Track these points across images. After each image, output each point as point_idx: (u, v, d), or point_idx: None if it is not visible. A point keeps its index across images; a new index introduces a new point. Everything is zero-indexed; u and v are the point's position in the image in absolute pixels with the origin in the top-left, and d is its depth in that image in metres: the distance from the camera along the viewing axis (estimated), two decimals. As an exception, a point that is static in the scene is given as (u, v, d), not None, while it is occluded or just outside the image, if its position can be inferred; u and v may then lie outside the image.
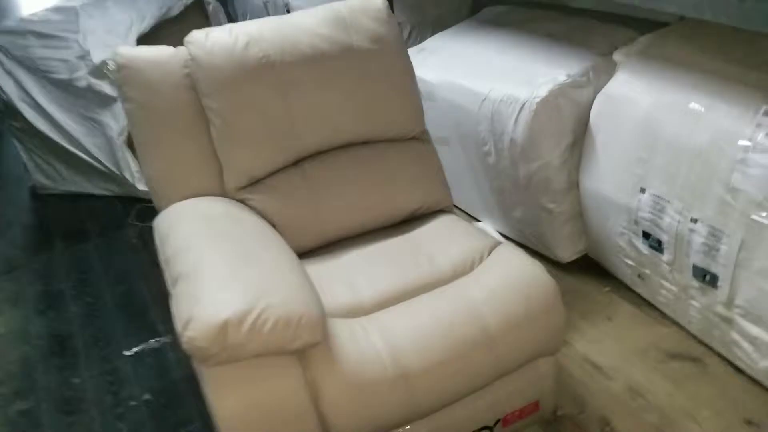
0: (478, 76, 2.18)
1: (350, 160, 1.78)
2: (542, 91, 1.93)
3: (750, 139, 1.53)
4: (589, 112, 1.96)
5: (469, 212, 2.54)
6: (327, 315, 1.45)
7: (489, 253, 1.62)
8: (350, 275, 1.60)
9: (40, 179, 3.28)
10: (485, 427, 1.52)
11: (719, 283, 1.65)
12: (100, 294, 2.48)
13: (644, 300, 2.02)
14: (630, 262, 1.97)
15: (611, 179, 1.92)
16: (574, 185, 2.06)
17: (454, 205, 2.52)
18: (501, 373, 1.46)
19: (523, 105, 1.96)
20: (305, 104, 1.70)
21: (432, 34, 2.71)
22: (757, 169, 1.51)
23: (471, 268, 1.59)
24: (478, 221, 2.48)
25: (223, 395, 1.23)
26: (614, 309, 2.05)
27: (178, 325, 1.23)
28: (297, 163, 1.75)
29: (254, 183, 1.71)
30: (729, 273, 1.63)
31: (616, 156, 1.89)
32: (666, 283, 1.86)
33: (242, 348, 1.21)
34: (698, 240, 1.69)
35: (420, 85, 2.35)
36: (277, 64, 1.66)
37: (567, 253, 2.18)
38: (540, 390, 1.57)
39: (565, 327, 1.52)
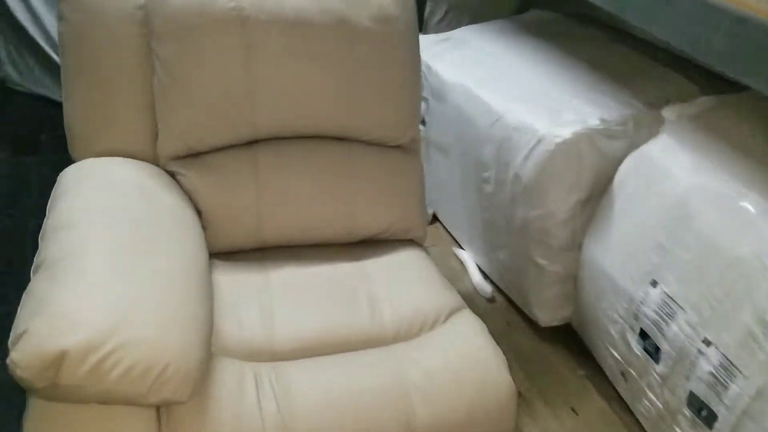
0: (499, 89, 1.82)
1: (314, 156, 1.45)
2: (566, 131, 1.59)
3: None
4: (616, 170, 1.62)
5: (451, 232, 2.22)
6: (221, 351, 1.16)
7: (446, 319, 1.31)
8: (271, 301, 1.29)
9: (11, 72, 2.97)
10: None
11: (716, 426, 1.34)
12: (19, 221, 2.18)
13: (620, 399, 1.72)
14: (617, 356, 1.66)
15: (620, 256, 1.59)
16: (576, 246, 1.73)
17: (435, 218, 2.25)
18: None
19: (540, 140, 1.62)
20: (273, 76, 1.36)
21: (468, 23, 2.35)
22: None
23: (418, 333, 1.28)
24: (461, 248, 2.16)
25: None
26: (583, 400, 1.74)
27: (11, 336, 0.93)
28: (250, 144, 1.42)
29: (192, 155, 1.39)
30: (732, 419, 1.32)
31: (634, 232, 1.55)
32: (652, 396, 1.55)
33: (78, 390, 0.91)
34: (705, 367, 1.37)
35: (432, 79, 2.02)
36: (249, 20, 1.31)
37: (547, 316, 1.87)
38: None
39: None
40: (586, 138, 1.59)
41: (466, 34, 2.14)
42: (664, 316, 1.46)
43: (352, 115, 1.45)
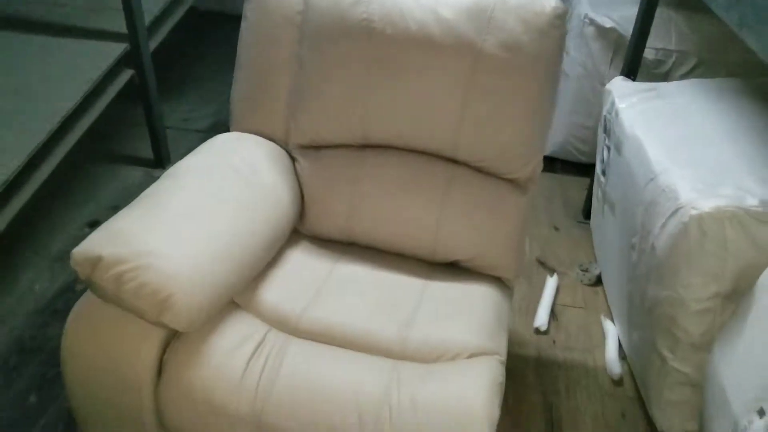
0: (671, 148, 1.59)
1: (415, 170, 1.49)
2: (707, 204, 1.33)
3: None
4: (768, 267, 1.30)
5: (608, 298, 1.99)
6: (252, 309, 1.31)
7: (468, 357, 1.23)
8: (324, 287, 1.39)
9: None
10: None
11: None
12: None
13: None
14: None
15: (740, 372, 1.27)
16: (708, 348, 1.43)
17: (599, 279, 2.02)
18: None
19: (677, 209, 1.38)
20: (393, 87, 1.44)
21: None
22: None
23: (434, 360, 1.24)
24: (611, 320, 1.93)
25: (77, 325, 1.19)
26: None
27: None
28: (362, 147, 1.53)
29: (313, 147, 1.56)
30: None
31: (761, 344, 1.23)
32: None
33: (105, 291, 1.14)
34: None
35: (616, 129, 1.86)
36: (376, 32, 1.42)
37: (667, 423, 1.56)
38: None
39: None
40: (734, 218, 1.31)
41: (676, 87, 1.90)
42: (761, 458, 1.14)
43: (463, 139, 1.45)
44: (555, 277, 2.09)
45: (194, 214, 1.28)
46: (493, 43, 1.39)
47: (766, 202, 1.32)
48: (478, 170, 1.49)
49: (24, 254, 2.12)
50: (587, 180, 2.44)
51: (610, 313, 1.95)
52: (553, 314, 1.98)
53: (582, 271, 2.14)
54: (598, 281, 2.10)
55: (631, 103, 1.86)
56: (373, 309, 1.34)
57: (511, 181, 1.49)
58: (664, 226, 1.44)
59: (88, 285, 1.16)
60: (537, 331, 1.92)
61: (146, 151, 2.61)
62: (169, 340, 1.20)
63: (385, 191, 1.49)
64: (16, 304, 1.95)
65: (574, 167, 2.66)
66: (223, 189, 1.37)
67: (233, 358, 1.18)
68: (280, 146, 1.58)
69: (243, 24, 1.60)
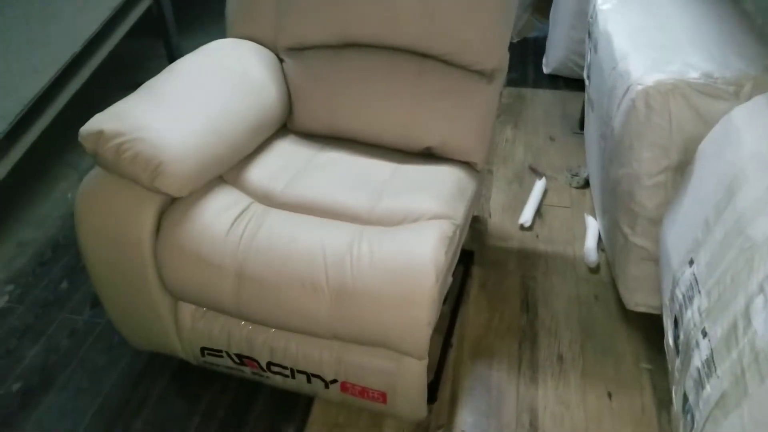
0: (635, 38, 1.65)
1: (392, 66, 1.62)
2: (650, 79, 1.41)
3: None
4: (712, 135, 1.38)
5: (593, 197, 2.09)
6: (239, 184, 1.48)
7: (427, 219, 1.38)
8: (306, 168, 1.55)
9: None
10: (320, 377, 1.41)
11: None
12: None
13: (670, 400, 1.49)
14: (665, 349, 1.45)
15: (678, 232, 1.37)
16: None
17: (587, 182, 2.11)
18: (337, 336, 1.31)
19: (628, 88, 1.47)
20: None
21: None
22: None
23: (397, 223, 1.39)
24: (594, 216, 2.03)
25: (87, 193, 1.38)
26: (626, 390, 1.56)
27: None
28: (342, 47, 1.66)
29: (298, 49, 1.70)
30: (701, 424, 1.11)
31: (695, 205, 1.33)
32: (673, 397, 1.33)
33: (107, 161, 1.33)
34: (696, 362, 1.16)
35: (594, 29, 1.93)
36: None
37: (632, 299, 1.68)
38: (389, 386, 1.36)
39: (426, 333, 1.25)
40: (675, 90, 1.39)
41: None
42: (687, 300, 1.26)
43: (436, 33, 1.57)
44: (543, 179, 2.19)
45: (187, 99, 1.45)
46: (457, -63, 1.50)
47: (708, 75, 1.40)
48: (447, 63, 1.61)
49: (58, 167, 2.37)
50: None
51: (594, 211, 2.06)
52: (539, 213, 2.10)
53: (571, 175, 2.23)
54: (587, 184, 2.19)
55: (611, 5, 1.92)
56: (347, 185, 1.49)
57: (478, 72, 1.60)
58: (619, 107, 1.53)
59: (93, 157, 1.35)
60: (521, 227, 2.05)
61: (168, 80, 2.80)
62: (165, 206, 1.38)
63: (361, 84, 1.63)
64: (51, 209, 2.20)
65: (575, 83, 2.71)
66: (214, 81, 1.54)
67: (219, 219, 1.36)
68: (270, 49, 1.73)
69: (234, -65, 1.74)
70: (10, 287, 1.91)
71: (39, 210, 2.20)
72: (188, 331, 1.46)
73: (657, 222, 1.55)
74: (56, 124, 2.17)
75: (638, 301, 1.68)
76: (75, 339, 1.75)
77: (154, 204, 1.36)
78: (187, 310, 1.44)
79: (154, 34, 2.70)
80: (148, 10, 2.53)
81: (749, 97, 1.37)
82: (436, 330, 1.37)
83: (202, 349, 1.47)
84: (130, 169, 1.31)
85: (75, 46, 2.17)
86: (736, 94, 1.38)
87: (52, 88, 2.11)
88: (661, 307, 1.58)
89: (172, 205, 1.38)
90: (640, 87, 1.43)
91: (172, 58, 2.70)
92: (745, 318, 1.03)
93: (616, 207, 1.64)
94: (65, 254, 2.02)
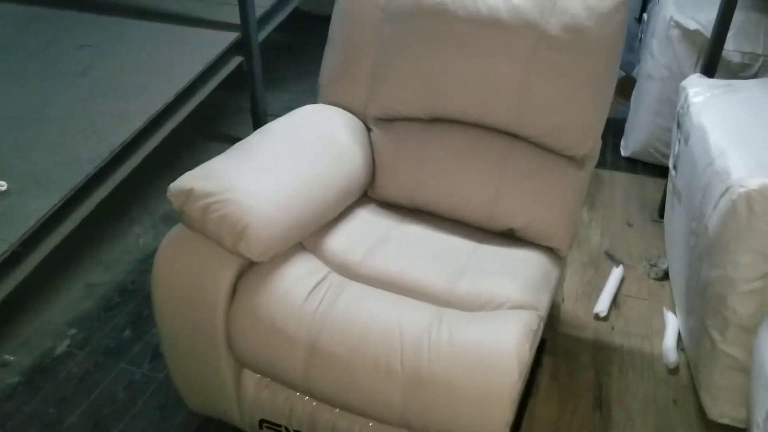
0: (731, 134, 1.60)
1: (483, 145, 1.60)
2: (755, 182, 1.34)
3: None
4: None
5: (673, 291, 1.99)
6: (317, 252, 1.47)
7: (508, 308, 1.32)
8: (387, 241, 1.52)
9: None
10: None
11: None
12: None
13: None
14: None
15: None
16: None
17: (667, 274, 2.00)
18: (406, 425, 1.25)
19: (727, 189, 1.40)
20: (461, 64, 1.56)
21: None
22: None
23: (478, 308, 1.34)
24: (674, 313, 1.92)
25: (167, 249, 1.38)
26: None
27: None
28: (431, 121, 1.66)
29: (388, 120, 1.70)
30: None
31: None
32: None
33: (193, 220, 1.33)
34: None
35: (686, 120, 1.88)
36: (449, 13, 1.55)
37: (717, 409, 1.57)
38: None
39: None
40: (785, 196, 1.32)
41: (752, 83, 1.89)
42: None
43: (527, 116, 1.54)
44: (621, 267, 2.11)
45: (276, 163, 1.46)
46: (556, 24, 1.49)
47: (818, 182, 1.32)
48: (537, 145, 1.58)
49: (134, 212, 2.42)
50: (666, 181, 2.43)
51: (674, 307, 1.95)
52: (614, 303, 2.01)
53: (650, 265, 2.14)
54: (666, 276, 2.09)
55: (704, 97, 1.87)
56: (427, 261, 1.46)
57: (569, 158, 1.56)
58: (716, 206, 1.46)
59: (180, 214, 1.36)
60: (596, 316, 1.96)
61: (249, 134, 2.87)
62: (243, 269, 1.37)
63: (448, 158, 1.61)
64: (122, 253, 2.23)
65: (655, 169, 2.64)
66: (303, 145, 1.55)
67: (297, 287, 1.34)
68: (359, 118, 1.74)
69: (335, 6, 1.78)
70: (73, 330, 1.92)
71: (110, 252, 2.24)
72: (250, 401, 1.42)
73: (750, 330, 1.45)
74: (139, 168, 2.23)
75: (723, 412, 1.57)
76: (131, 392, 1.73)
77: (233, 266, 1.35)
78: (251, 378, 1.41)
79: (241, 87, 2.79)
80: (239, 65, 2.62)
81: None
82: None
83: (261, 422, 1.43)
84: (215, 230, 1.31)
85: (167, 97, 2.25)
86: None
87: (140, 136, 2.17)
88: (747, 421, 1.47)
89: (251, 269, 1.37)
90: (742, 189, 1.36)
91: (256, 111, 2.77)
92: None
93: (705, 309, 1.55)
94: (131, 301, 2.03)
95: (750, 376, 1.44)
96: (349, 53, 1.75)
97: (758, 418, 1.33)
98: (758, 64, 2.32)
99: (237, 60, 2.59)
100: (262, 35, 2.75)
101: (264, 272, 1.35)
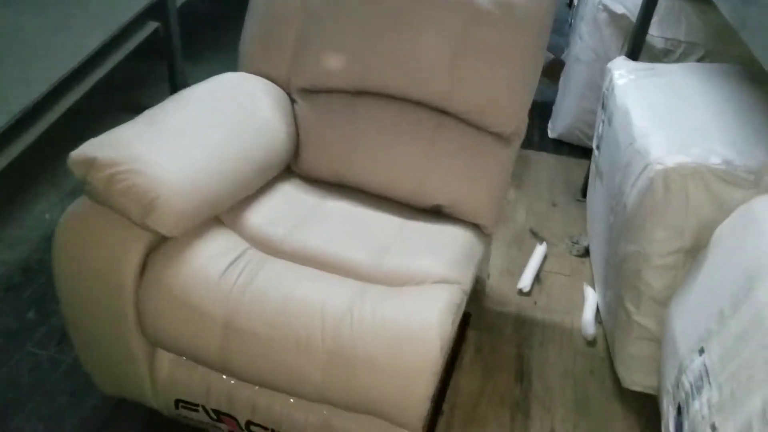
0: (653, 115, 1.63)
1: (408, 120, 1.56)
2: (671, 160, 1.38)
3: None
4: (730, 222, 1.34)
5: (593, 267, 2.03)
6: (237, 228, 1.40)
7: (431, 283, 1.30)
8: (310, 218, 1.47)
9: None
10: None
11: None
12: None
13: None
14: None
15: (689, 319, 1.32)
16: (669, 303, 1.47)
17: (587, 251, 2.05)
18: (327, 400, 1.22)
19: (645, 167, 1.43)
20: (392, 38, 1.52)
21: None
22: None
23: (401, 284, 1.31)
24: (593, 288, 1.97)
25: (70, 223, 1.28)
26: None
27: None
28: (357, 94, 1.61)
29: (312, 91, 1.64)
30: None
31: (709, 293, 1.28)
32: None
33: (97, 191, 1.24)
34: (705, 460, 1.09)
35: (610, 102, 1.91)
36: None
37: (629, 377, 1.62)
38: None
39: (424, 406, 1.16)
40: (696, 174, 1.36)
41: (674, 67, 1.94)
42: (695, 390, 1.19)
43: (453, 90, 1.52)
44: (544, 245, 2.14)
45: (189, 131, 1.37)
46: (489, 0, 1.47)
47: (729, 162, 1.37)
48: (465, 122, 1.56)
49: (40, 187, 2.25)
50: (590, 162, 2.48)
51: (594, 282, 2.00)
52: (537, 279, 2.04)
53: (572, 242, 2.18)
54: (586, 253, 2.14)
55: (628, 79, 1.90)
56: (351, 238, 1.42)
57: (496, 134, 1.55)
58: (634, 184, 1.49)
59: (83, 185, 1.26)
60: (520, 292, 1.98)
61: (166, 105, 2.73)
62: (154, 245, 1.29)
63: (375, 134, 1.57)
64: (26, 231, 2.08)
65: (580, 150, 2.69)
66: (220, 114, 1.47)
67: (212, 264, 1.27)
68: (282, 88, 1.66)
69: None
70: (-29, 311, 1.78)
71: (13, 230, 2.08)
72: (164, 381, 1.35)
73: (663, 303, 1.50)
74: (45, 140, 2.07)
75: (636, 380, 1.62)
76: (36, 375, 1.62)
77: (142, 241, 1.26)
78: (165, 358, 1.34)
79: (160, 55, 2.64)
80: (155, 31, 2.47)
81: (770, 188, 1.34)
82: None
83: (177, 401, 1.36)
84: (121, 202, 1.22)
85: (74, 61, 2.09)
86: (756, 183, 1.35)
87: (44, 103, 2.01)
88: (658, 389, 1.52)
89: (162, 245, 1.28)
90: (660, 167, 1.39)
91: (174, 81, 2.63)
92: (762, 421, 0.96)
93: (621, 283, 1.59)
94: (36, 281, 1.89)
95: (661, 346, 1.48)
96: (272, 21, 1.67)
97: (668, 384, 1.38)
98: (680, 50, 2.39)
99: (152, 25, 2.44)
100: (180, 0, 2.61)
101: (176, 248, 1.28)
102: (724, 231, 1.31)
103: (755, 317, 1.10)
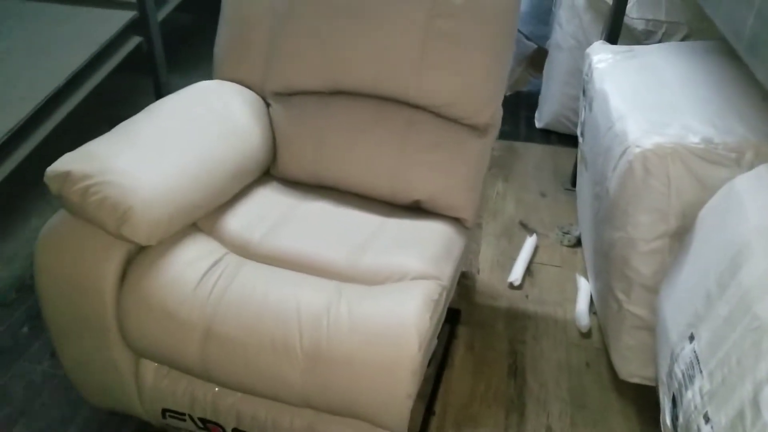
0: (630, 97, 1.62)
1: (381, 117, 1.56)
2: (648, 142, 1.36)
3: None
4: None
5: (585, 257, 2.01)
6: (213, 233, 1.40)
7: (409, 280, 1.29)
8: (286, 220, 1.46)
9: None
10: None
11: None
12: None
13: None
14: (663, 427, 1.35)
15: (678, 304, 1.30)
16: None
17: (579, 241, 2.04)
18: (309, 404, 1.21)
19: (624, 150, 1.41)
20: (359, 36, 1.52)
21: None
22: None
23: (377, 283, 1.30)
24: (586, 278, 1.95)
25: (49, 237, 1.29)
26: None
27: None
28: (331, 94, 1.61)
29: (286, 94, 1.64)
30: None
31: (696, 276, 1.26)
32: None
33: (73, 205, 1.24)
34: (699, 447, 1.07)
35: (589, 87, 1.89)
36: (346, -10, 1.50)
37: (625, 369, 1.59)
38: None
39: (405, 406, 1.15)
40: (675, 154, 1.34)
41: (653, 48, 1.92)
42: (687, 379, 1.17)
43: (422, 84, 1.51)
44: (534, 236, 2.12)
45: (163, 141, 1.38)
46: (455, -9, 1.46)
47: (709, 140, 1.35)
48: (438, 115, 1.55)
49: (32, 204, 2.27)
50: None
51: (586, 272, 1.98)
52: (528, 271, 2.02)
53: (563, 233, 2.17)
54: (578, 243, 2.12)
55: (606, 63, 1.89)
56: (329, 238, 1.41)
57: (470, 126, 1.54)
58: (615, 168, 1.47)
59: (59, 199, 1.27)
60: (511, 285, 1.96)
61: (155, 118, 2.74)
62: (132, 255, 1.29)
63: (349, 133, 1.57)
64: (21, 247, 2.09)
65: (568, 139, 2.67)
66: (194, 122, 1.47)
67: (189, 270, 1.27)
68: (257, 93, 1.66)
69: (225, -19, 1.70)
70: (-34, 329, 1.80)
71: (8, 247, 2.09)
72: (149, 391, 1.35)
73: (653, 289, 1.48)
74: (36, 158, 2.08)
75: (632, 371, 1.59)
76: (30, 390, 1.62)
77: (120, 252, 1.27)
78: (149, 368, 1.34)
79: (145, 69, 2.65)
80: (138, 46, 2.48)
81: (751, 165, 1.32)
82: (419, 395, 1.28)
83: (164, 411, 1.36)
84: (96, 214, 1.23)
85: (58, 80, 2.11)
86: (738, 161, 1.33)
87: (31, 122, 2.03)
88: (656, 379, 1.50)
89: (140, 254, 1.29)
90: (637, 149, 1.37)
91: (160, 95, 2.63)
92: (753, 407, 0.94)
93: (610, 271, 1.57)
94: (30, 297, 1.90)
95: (655, 334, 1.46)
96: (242, 27, 1.67)
97: (662, 375, 1.36)
98: (662, 30, 2.37)
99: (135, 40, 2.46)
100: (161, 14, 2.62)
101: (154, 256, 1.28)
102: (707, 212, 1.30)
103: (742, 300, 1.08)
